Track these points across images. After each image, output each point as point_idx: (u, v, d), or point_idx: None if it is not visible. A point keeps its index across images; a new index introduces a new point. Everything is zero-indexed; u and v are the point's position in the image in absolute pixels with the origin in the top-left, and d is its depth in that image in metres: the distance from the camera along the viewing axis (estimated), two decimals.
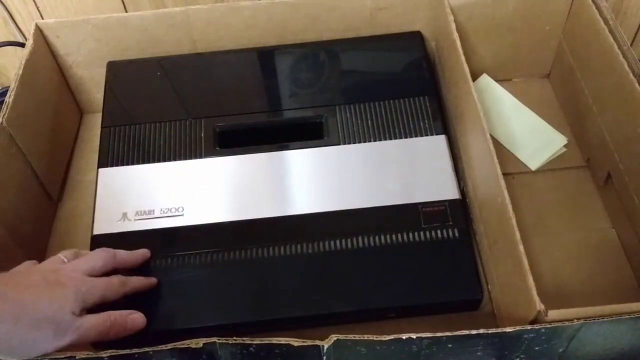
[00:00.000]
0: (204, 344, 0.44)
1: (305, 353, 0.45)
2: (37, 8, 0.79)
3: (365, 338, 0.44)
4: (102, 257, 0.52)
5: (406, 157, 0.62)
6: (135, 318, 0.51)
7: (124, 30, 0.69)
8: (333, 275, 0.56)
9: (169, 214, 0.59)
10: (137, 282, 0.54)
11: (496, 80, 0.74)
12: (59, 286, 0.46)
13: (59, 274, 0.48)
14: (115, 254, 0.54)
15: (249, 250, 0.56)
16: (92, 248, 0.57)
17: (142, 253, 0.56)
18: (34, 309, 0.44)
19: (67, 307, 0.45)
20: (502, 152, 0.69)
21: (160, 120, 0.65)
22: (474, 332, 0.44)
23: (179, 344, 0.44)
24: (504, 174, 0.53)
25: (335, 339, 0.44)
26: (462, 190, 0.62)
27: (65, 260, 0.51)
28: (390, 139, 0.63)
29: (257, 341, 0.44)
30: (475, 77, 0.74)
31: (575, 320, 0.44)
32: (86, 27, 0.68)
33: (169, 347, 0.44)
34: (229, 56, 0.71)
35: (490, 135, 0.55)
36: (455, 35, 0.63)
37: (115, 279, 0.51)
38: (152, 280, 0.55)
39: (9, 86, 0.65)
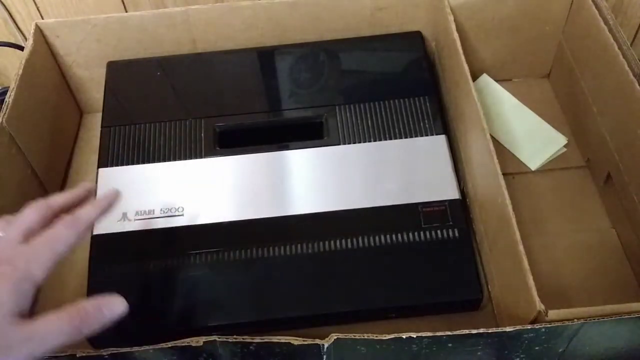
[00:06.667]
0: (204, 342, 0.44)
1: (306, 352, 0.45)
2: (37, 8, 0.79)
3: (365, 337, 0.44)
4: (34, 210, 0.42)
5: (406, 157, 0.62)
6: (112, 303, 0.40)
7: (124, 30, 0.69)
8: (333, 275, 0.56)
9: (169, 214, 0.59)
10: (90, 212, 0.44)
11: (496, 80, 0.74)
12: None
13: None
14: (47, 201, 0.44)
15: (249, 250, 0.56)
16: (92, 248, 0.57)
17: (84, 187, 0.47)
18: None
19: (3, 311, 0.34)
20: (502, 152, 0.69)
21: (160, 120, 0.65)
22: (474, 331, 0.44)
23: (180, 343, 0.44)
24: (504, 174, 0.53)
25: (336, 338, 0.44)
26: (462, 190, 0.62)
27: None
28: (390, 139, 0.63)
29: (257, 340, 0.44)
30: (475, 77, 0.74)
31: (575, 320, 0.44)
32: (86, 27, 0.68)
33: (170, 346, 0.44)
34: (229, 56, 0.71)
35: (490, 135, 0.55)
36: (455, 35, 0.63)
37: (61, 226, 0.41)
38: (111, 196, 0.46)
39: (9, 86, 0.65)
